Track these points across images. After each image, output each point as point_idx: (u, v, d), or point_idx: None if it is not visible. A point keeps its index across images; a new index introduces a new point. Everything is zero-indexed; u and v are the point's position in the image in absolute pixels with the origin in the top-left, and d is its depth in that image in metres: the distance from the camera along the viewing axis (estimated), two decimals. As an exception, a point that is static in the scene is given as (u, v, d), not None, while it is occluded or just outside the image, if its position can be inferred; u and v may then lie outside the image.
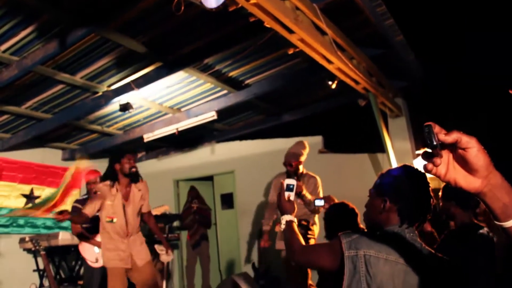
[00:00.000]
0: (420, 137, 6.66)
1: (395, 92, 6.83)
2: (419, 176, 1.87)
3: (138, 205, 4.72)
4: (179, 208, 8.64)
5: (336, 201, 3.43)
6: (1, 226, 6.93)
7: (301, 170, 5.29)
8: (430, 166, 0.95)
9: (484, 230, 2.71)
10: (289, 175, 5.29)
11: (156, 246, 5.10)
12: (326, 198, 3.52)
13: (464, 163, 0.94)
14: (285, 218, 2.18)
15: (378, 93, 5.92)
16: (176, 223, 8.25)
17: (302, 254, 1.99)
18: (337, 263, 1.79)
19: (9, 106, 5.92)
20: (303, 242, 2.06)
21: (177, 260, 8.66)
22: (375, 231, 1.84)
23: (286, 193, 2.22)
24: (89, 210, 4.48)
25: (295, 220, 2.20)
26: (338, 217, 3.10)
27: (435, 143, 0.94)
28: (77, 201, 5.59)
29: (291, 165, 5.25)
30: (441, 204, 2.96)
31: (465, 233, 2.75)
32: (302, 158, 5.26)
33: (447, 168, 0.97)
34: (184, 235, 8.33)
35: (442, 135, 0.93)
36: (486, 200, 0.96)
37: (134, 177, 4.65)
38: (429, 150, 0.96)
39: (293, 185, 2.23)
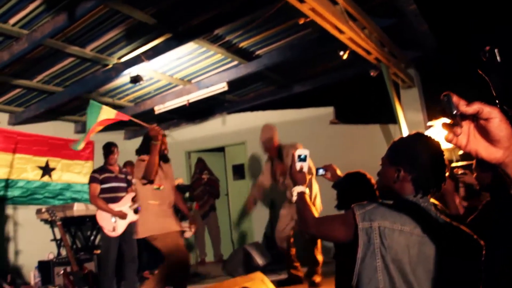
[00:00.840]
0: (432, 108, 6.62)
1: (408, 62, 6.75)
2: (433, 144, 1.82)
3: (172, 181, 4.77)
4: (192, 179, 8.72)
5: (338, 170, 3.36)
6: (19, 197, 7.06)
7: (281, 149, 5.57)
8: (450, 136, 0.94)
9: None
10: (272, 159, 5.62)
11: (182, 223, 5.15)
12: (328, 167, 3.46)
13: (486, 134, 0.92)
14: (297, 189, 2.12)
15: (390, 63, 5.85)
16: (187, 194, 8.33)
17: (315, 226, 1.95)
18: (351, 235, 1.76)
19: (21, 80, 5.95)
20: (316, 214, 2.01)
21: (190, 230, 8.77)
22: (388, 200, 1.81)
23: (298, 164, 2.16)
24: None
25: (307, 191, 2.13)
26: (354, 186, 3.00)
27: (454, 112, 0.92)
28: (94, 171, 5.67)
29: (269, 151, 5.61)
30: (475, 174, 2.91)
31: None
32: (275, 140, 5.58)
33: (468, 139, 0.94)
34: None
35: (463, 107, 0.91)
36: (508, 171, 0.94)
37: (165, 158, 4.65)
38: (449, 121, 0.95)
39: (306, 155, 2.17)
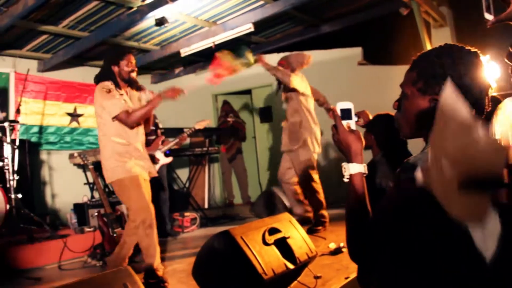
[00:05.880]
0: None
1: (440, 0, 6.48)
2: (476, 56, 1.33)
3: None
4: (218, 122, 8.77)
5: (371, 116, 3.26)
6: (50, 144, 7.27)
7: None
8: None
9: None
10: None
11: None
12: (361, 113, 3.39)
13: None
14: (351, 168, 1.46)
15: (422, 1, 5.62)
16: (214, 137, 8.42)
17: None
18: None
19: (47, 25, 5.94)
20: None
21: (218, 173, 8.92)
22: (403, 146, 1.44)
23: (344, 122, 1.52)
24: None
25: (365, 170, 1.47)
26: (388, 128, 2.90)
27: None
28: None
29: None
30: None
31: None
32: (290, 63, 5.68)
33: None
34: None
35: None
36: None
37: (133, 83, 3.97)
38: None
39: (351, 109, 1.56)
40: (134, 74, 3.92)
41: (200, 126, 6.01)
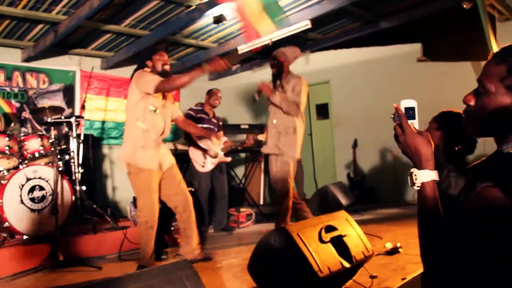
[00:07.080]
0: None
1: (507, -9, 6.21)
2: None
3: (170, 108, 4.28)
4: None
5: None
6: (112, 138, 7.54)
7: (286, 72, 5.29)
8: None
9: None
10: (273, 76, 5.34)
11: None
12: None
13: None
14: (423, 176, 1.32)
15: (487, -7, 5.41)
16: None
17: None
18: None
19: (110, 25, 6.18)
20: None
21: (274, 169, 8.94)
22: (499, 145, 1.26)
23: (409, 122, 1.38)
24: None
25: (437, 177, 1.33)
26: (455, 126, 2.67)
27: None
28: (191, 109, 6.01)
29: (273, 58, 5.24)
30: None
31: None
32: (288, 58, 5.28)
33: None
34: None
35: None
36: None
37: (167, 75, 4.06)
38: None
39: (415, 108, 1.41)
40: (167, 67, 4.08)
41: (262, 137, 6.09)
